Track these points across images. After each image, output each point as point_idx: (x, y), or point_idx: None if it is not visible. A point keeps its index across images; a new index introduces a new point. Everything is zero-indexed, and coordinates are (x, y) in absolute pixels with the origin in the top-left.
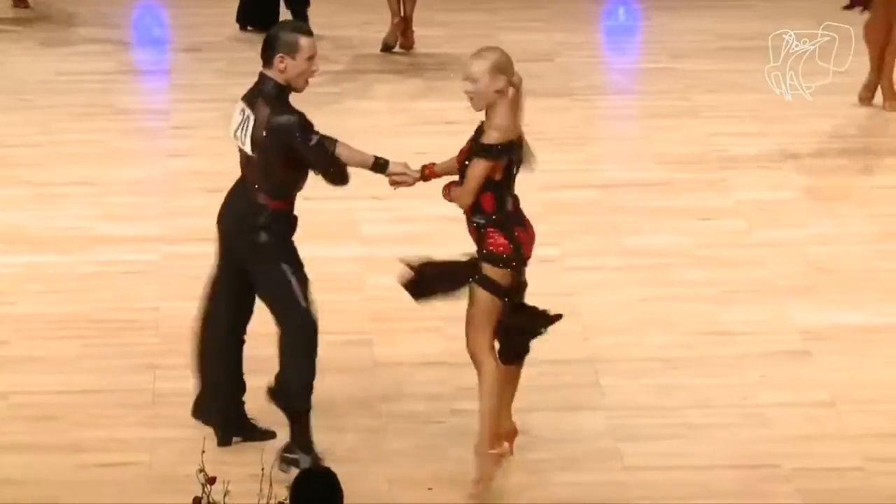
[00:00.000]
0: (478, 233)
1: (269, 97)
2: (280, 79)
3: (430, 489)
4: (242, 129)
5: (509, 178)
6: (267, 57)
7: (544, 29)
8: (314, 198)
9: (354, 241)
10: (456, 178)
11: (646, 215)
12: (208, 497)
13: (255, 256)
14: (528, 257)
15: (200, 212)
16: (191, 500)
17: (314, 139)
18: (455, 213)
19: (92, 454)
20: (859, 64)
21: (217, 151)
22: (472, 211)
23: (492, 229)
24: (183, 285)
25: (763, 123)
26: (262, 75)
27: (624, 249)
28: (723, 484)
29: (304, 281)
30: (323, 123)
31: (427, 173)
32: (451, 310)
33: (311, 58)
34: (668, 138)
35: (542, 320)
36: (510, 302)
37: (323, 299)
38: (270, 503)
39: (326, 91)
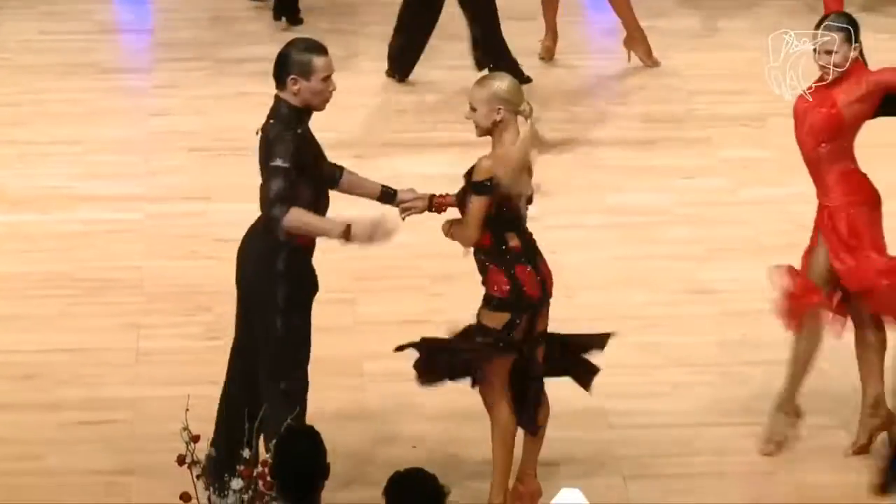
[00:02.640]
0: (482, 269)
1: (281, 118)
2: (295, 101)
3: (413, 447)
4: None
5: (506, 214)
6: (279, 78)
7: None
8: None
9: (336, 199)
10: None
11: (628, 174)
12: (192, 455)
13: (265, 308)
14: (536, 298)
15: (183, 171)
16: (175, 459)
17: (277, 162)
18: (436, 171)
19: (75, 412)
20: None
21: (200, 110)
22: (475, 248)
23: (493, 266)
24: (166, 244)
25: (745, 81)
26: (276, 98)
27: (606, 208)
28: (706, 442)
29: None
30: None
31: (437, 202)
32: (435, 269)
33: (326, 78)
34: (650, 97)
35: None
36: (523, 351)
37: None
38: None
39: None
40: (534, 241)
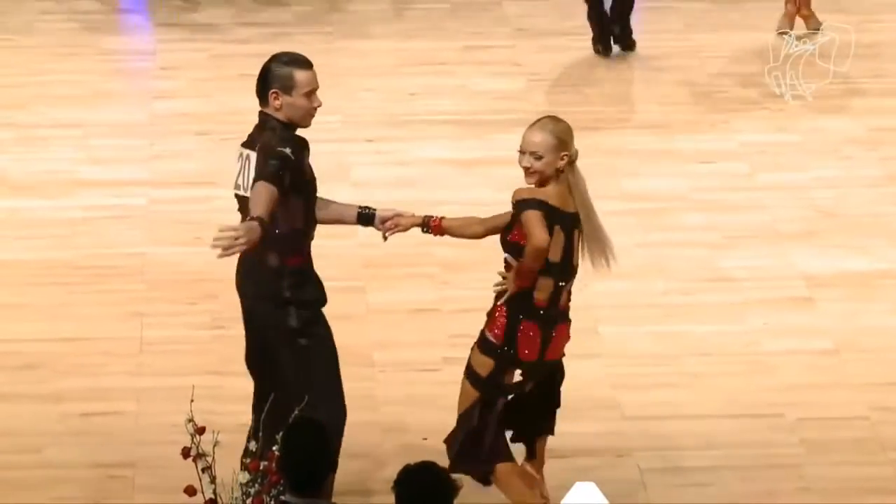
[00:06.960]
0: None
1: (272, 130)
2: (280, 116)
3: (424, 439)
4: (243, 174)
5: (559, 261)
6: (260, 93)
7: None
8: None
9: (346, 185)
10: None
11: (645, 158)
12: (197, 448)
13: (279, 336)
14: (529, 361)
15: (187, 155)
16: (179, 451)
17: (271, 164)
18: (448, 157)
19: (76, 404)
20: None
21: (204, 93)
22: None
23: (503, 307)
24: (170, 230)
25: (765, 63)
26: (261, 114)
27: (622, 193)
28: (725, 434)
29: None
30: (313, 63)
31: (434, 223)
32: (446, 256)
33: (309, 93)
34: (668, 79)
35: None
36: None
37: (315, 244)
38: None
39: (317, 31)
40: (566, 306)
